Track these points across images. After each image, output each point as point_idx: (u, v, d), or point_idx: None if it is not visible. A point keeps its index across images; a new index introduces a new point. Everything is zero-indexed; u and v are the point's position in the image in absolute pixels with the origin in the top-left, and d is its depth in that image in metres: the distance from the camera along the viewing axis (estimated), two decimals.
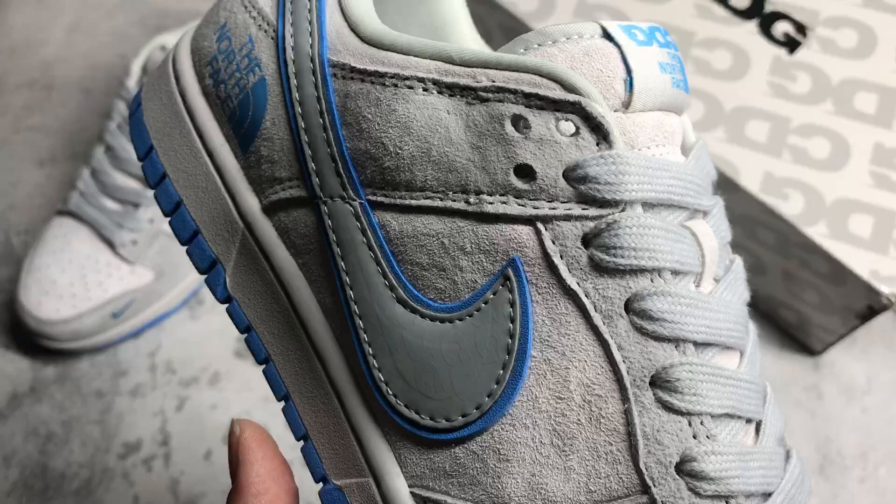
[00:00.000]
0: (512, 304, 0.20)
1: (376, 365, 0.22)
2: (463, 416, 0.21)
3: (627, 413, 0.20)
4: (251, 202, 0.24)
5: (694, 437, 0.20)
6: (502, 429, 0.20)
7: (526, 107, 0.20)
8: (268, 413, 0.48)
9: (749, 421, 0.21)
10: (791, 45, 0.47)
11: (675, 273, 0.20)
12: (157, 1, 0.68)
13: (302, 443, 0.24)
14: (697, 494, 0.19)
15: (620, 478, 0.20)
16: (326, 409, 0.23)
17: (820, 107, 0.46)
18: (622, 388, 0.20)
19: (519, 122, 0.20)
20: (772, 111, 0.46)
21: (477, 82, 0.20)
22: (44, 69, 0.65)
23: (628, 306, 0.20)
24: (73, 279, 0.50)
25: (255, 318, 0.25)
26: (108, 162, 0.52)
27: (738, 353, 0.22)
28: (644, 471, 0.20)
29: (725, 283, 0.22)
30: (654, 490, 0.19)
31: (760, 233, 0.46)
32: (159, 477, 0.48)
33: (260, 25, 0.24)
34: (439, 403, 0.21)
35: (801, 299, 0.47)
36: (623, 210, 0.20)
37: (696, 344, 0.20)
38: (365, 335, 0.22)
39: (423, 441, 0.21)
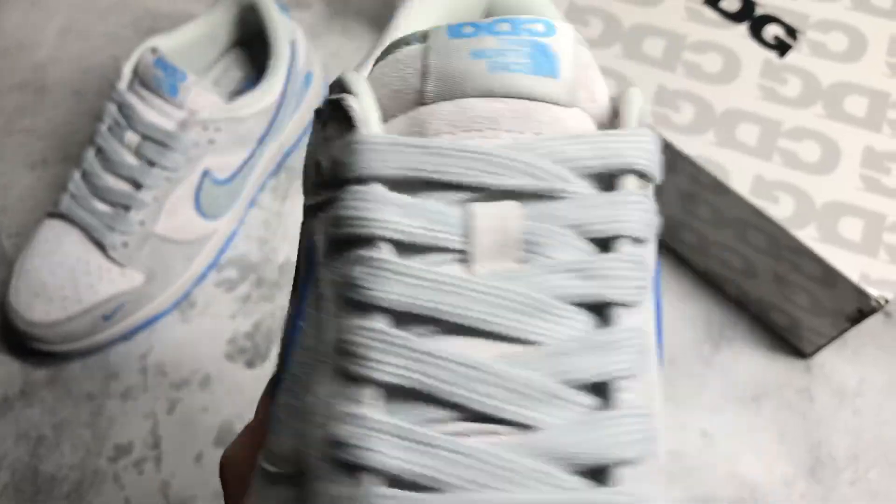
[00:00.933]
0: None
1: None
2: None
3: None
4: None
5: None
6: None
7: (328, 115, 0.22)
8: None
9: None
10: (781, 48, 0.48)
11: (399, 244, 0.19)
12: (150, 3, 0.68)
13: None
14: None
15: None
16: None
17: (810, 110, 0.46)
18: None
19: (325, 128, 0.22)
20: (762, 114, 0.46)
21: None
22: (36, 71, 0.64)
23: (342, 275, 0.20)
24: (63, 282, 0.49)
25: None
26: (98, 164, 0.51)
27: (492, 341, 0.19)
28: None
29: (524, 270, 0.19)
30: None
31: (751, 236, 0.46)
32: (150, 479, 0.48)
33: None
34: None
35: (791, 302, 0.48)
36: (353, 185, 0.20)
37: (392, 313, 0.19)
38: None
39: None
